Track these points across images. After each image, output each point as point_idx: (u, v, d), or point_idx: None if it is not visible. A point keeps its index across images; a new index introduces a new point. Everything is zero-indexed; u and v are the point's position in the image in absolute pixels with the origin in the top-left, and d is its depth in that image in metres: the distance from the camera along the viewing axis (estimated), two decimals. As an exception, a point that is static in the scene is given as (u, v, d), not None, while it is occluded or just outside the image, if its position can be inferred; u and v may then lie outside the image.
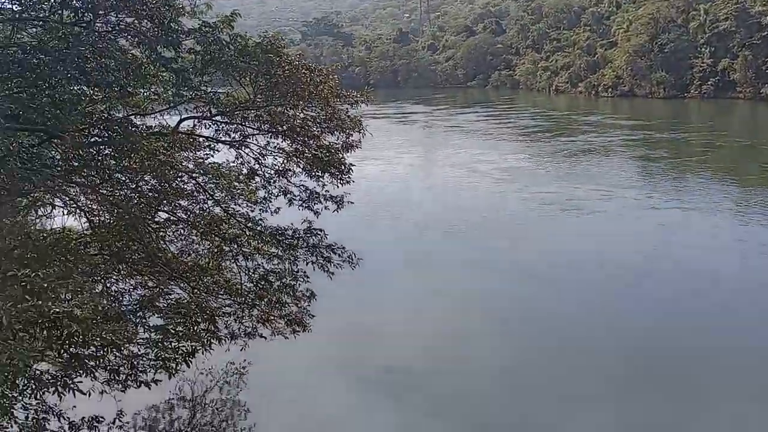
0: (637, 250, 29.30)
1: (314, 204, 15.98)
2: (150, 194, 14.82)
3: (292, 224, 15.76)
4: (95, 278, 11.84)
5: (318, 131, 15.72)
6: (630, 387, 18.90)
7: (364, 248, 17.67)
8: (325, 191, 16.06)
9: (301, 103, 15.04)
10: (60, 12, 11.20)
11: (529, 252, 30.11)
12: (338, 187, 15.95)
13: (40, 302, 7.11)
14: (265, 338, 15.42)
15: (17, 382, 8.02)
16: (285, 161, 15.87)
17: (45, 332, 7.59)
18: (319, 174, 15.77)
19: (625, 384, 19.14)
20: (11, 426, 10.48)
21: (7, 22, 11.62)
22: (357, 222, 29.70)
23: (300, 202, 15.94)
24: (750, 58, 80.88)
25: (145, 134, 13.26)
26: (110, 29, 11.16)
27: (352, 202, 16.13)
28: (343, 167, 15.59)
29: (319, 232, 15.92)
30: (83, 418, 10.54)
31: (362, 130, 15.74)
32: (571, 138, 62.37)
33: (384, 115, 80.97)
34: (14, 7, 11.68)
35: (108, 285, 13.03)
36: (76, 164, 13.55)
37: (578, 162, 50.71)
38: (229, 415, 19.44)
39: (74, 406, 10.19)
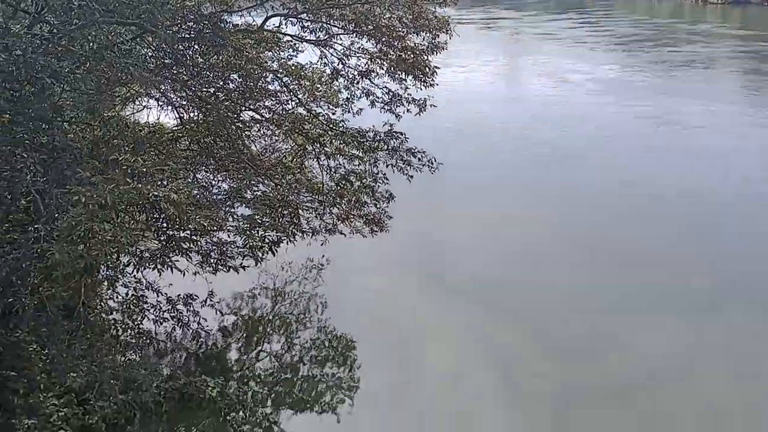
0: (736, 171, 27.55)
1: (396, 106, 15.87)
2: (236, 93, 15.14)
3: (373, 126, 15.79)
4: (187, 168, 12.43)
5: (403, 32, 15.33)
6: (709, 308, 18.39)
7: (444, 156, 17.54)
8: (408, 94, 15.87)
9: (387, 1, 14.63)
10: None
11: (619, 171, 28.73)
12: (421, 89, 15.69)
13: (140, 185, 7.57)
14: (345, 235, 15.91)
15: (120, 258, 8.74)
16: (368, 62, 15.68)
17: (144, 214, 8.13)
18: (403, 76, 15.53)
19: (706, 305, 18.63)
20: (115, 299, 11.58)
21: None
22: (438, 129, 29.29)
23: (382, 105, 15.86)
24: None
25: (233, 30, 13.35)
26: None
27: (434, 106, 15.89)
28: (427, 69, 15.25)
29: (400, 135, 15.91)
30: (179, 295, 11.43)
31: (449, 31, 15.23)
32: (674, 48, 57.71)
33: (470, 20, 77.41)
34: None
35: (198, 177, 13.68)
36: (167, 61, 13.93)
37: (681, 74, 47.17)
38: (307, 308, 20.54)
39: (171, 284, 11.07)
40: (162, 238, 9.85)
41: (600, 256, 22.08)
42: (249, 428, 15.09)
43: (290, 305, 20.61)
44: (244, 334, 18.88)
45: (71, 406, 10.07)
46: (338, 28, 15.35)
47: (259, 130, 16.40)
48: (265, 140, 16.57)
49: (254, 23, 15.83)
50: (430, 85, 15.48)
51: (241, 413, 14.84)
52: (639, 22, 77.63)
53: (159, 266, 9.51)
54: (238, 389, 15.33)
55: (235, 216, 12.58)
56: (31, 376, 9.61)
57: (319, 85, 16.88)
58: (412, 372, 16.80)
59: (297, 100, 16.14)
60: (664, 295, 18.94)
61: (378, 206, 15.78)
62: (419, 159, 15.92)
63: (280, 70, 16.25)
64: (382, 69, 15.77)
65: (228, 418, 14.36)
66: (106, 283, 11.35)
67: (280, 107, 16.19)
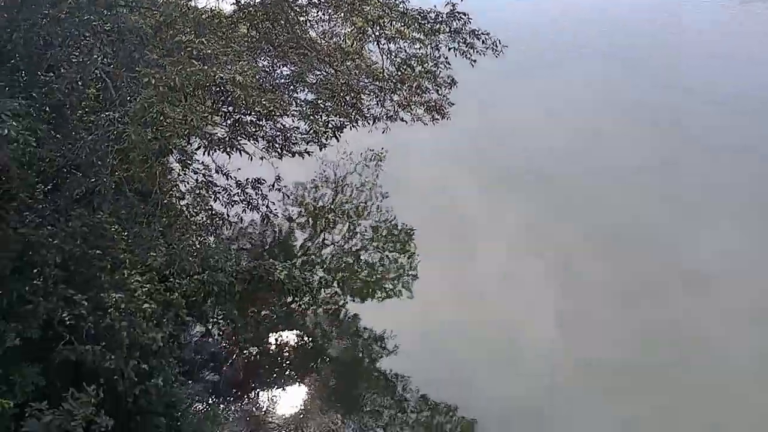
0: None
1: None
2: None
3: (435, 6, 14.97)
4: (248, 54, 12.28)
5: None
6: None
7: (510, 37, 16.65)
8: (474, -30, 14.82)
9: None
10: None
11: (692, 57, 26.70)
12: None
13: (205, 67, 7.54)
14: (406, 122, 15.68)
15: (191, 141, 8.91)
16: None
17: (211, 98, 8.16)
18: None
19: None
20: (186, 183, 11.99)
21: None
22: (504, 7, 27.57)
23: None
24: None
25: None
26: None
27: (500, -17, 14.85)
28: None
29: (463, 16, 15.02)
30: (247, 178, 11.70)
31: None
32: None
33: None
34: None
35: (259, 62, 13.53)
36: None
37: None
38: (368, 197, 20.82)
39: (239, 169, 11.31)
40: (228, 122, 9.94)
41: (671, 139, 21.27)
42: (314, 309, 15.91)
43: (351, 194, 20.95)
44: (308, 221, 19.46)
45: (153, 283, 10.76)
46: None
47: (316, 13, 15.85)
48: (323, 25, 16.05)
49: None
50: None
51: (307, 296, 15.60)
52: None
53: (228, 149, 9.66)
54: (304, 273, 16.02)
55: (298, 101, 12.49)
56: (115, 254, 10.23)
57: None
58: (468, 261, 17.11)
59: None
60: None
61: (440, 92, 15.30)
62: (483, 42, 15.13)
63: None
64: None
65: (295, 299, 15.12)
66: (176, 168, 11.70)
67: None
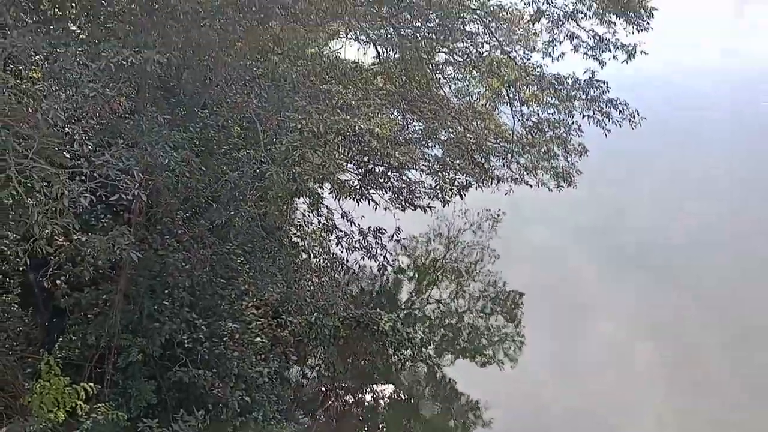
0: None
1: (601, 52, 14.63)
2: (432, 34, 14.92)
3: (573, 73, 14.77)
4: (385, 106, 12.64)
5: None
6: None
7: (648, 105, 16.04)
8: (616, 39, 14.54)
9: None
10: None
11: None
12: (633, 34, 14.28)
13: (348, 117, 7.78)
14: (530, 186, 15.35)
15: (323, 185, 9.19)
16: (576, 1, 14.55)
17: (348, 145, 8.40)
18: (613, 18, 14.21)
19: None
20: (309, 226, 12.32)
21: None
22: (648, 79, 26.51)
23: (586, 49, 14.71)
24: None
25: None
26: None
27: (645, 53, 14.39)
28: (642, 10, 13.79)
29: (602, 85, 14.71)
30: (369, 227, 11.87)
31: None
32: None
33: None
34: None
35: (394, 114, 13.88)
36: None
37: None
38: (479, 257, 20.47)
39: (363, 216, 11.50)
40: (361, 171, 10.19)
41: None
42: (414, 365, 15.59)
43: (462, 253, 20.70)
44: (416, 275, 19.38)
45: (267, 317, 11.03)
46: (546, -35, 14.38)
47: (452, 72, 16.15)
48: (457, 83, 16.31)
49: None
50: (644, 29, 14.02)
51: (408, 351, 15.35)
52: None
53: (357, 197, 9.87)
54: (407, 327, 15.82)
55: (427, 156, 12.62)
56: (237, 285, 10.62)
57: (516, 28, 16.10)
58: (578, 338, 16.18)
59: (495, 42, 15.53)
60: None
61: (569, 159, 14.92)
62: (620, 111, 14.67)
63: (479, 9, 15.70)
64: (590, 10, 14.55)
65: (396, 352, 14.91)
66: (302, 209, 12.10)
67: (475, 49, 15.74)
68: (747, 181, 23.06)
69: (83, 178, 5.56)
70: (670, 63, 30.90)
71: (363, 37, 15.02)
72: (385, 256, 12.59)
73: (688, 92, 30.59)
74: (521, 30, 16.03)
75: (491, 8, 15.74)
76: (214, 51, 7.40)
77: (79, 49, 6.29)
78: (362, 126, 7.81)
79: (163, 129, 7.11)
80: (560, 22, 14.58)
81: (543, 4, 14.66)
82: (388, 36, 14.31)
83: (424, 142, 12.79)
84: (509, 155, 14.44)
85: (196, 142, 9.32)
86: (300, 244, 11.99)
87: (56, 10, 7.94)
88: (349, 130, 7.85)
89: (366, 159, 9.82)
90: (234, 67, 7.71)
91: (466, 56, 15.59)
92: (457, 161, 12.57)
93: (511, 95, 14.70)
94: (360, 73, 13.59)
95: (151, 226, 9.13)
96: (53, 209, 5.28)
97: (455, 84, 16.19)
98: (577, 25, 14.42)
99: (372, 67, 14.96)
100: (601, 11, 14.16)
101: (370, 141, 8.08)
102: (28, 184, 5.24)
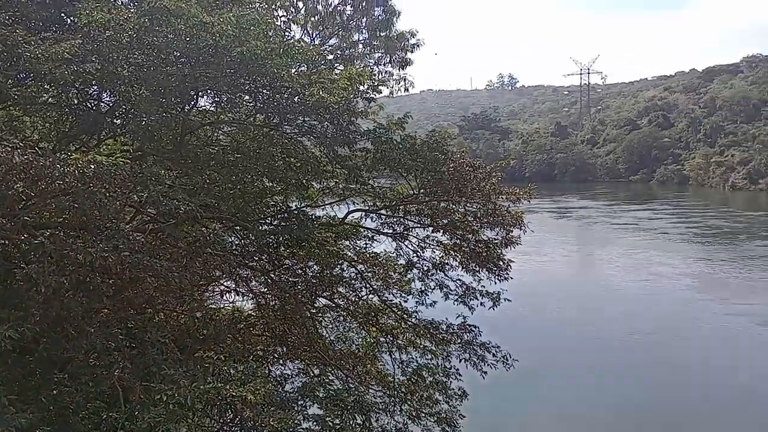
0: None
1: (470, 299, 15.79)
2: (312, 280, 15.61)
3: (446, 319, 15.66)
4: (263, 357, 12.49)
5: (478, 226, 15.76)
6: None
7: (520, 348, 16.96)
8: (482, 287, 15.86)
9: (463, 199, 15.27)
10: (253, 115, 12.62)
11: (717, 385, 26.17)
12: (495, 283, 15.69)
13: (219, 384, 7.60)
14: (416, 437, 15.07)
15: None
16: (443, 255, 16.01)
17: (220, 412, 8.05)
18: (477, 269, 15.66)
19: None
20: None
21: (209, 124, 13.24)
22: (514, 320, 28.44)
23: (456, 297, 15.85)
24: None
25: (317, 225, 14.14)
26: (296, 131, 12.30)
27: (509, 300, 15.72)
28: (501, 263, 15.36)
29: (474, 329, 15.62)
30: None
31: (523, 227, 15.52)
32: (765, 243, 55.13)
33: (543, 208, 79.24)
34: (215, 109, 13.36)
35: (271, 368, 13.68)
36: (251, 249, 14.75)
37: None
38: None
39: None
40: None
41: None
42: None
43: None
44: None
45: None
46: (414, 222, 15.98)
47: (332, 317, 16.57)
48: (337, 327, 16.65)
49: (336, 216, 16.78)
50: (505, 279, 15.48)
51: None
52: (719, 212, 76.63)
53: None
54: None
55: (306, 416, 12.28)
56: None
57: (392, 273, 17.21)
58: None
59: (371, 288, 16.42)
60: None
61: (450, 404, 15.07)
62: (493, 354, 15.44)
63: (356, 258, 16.79)
64: (456, 261, 16.01)
65: None
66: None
67: (354, 294, 16.50)
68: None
69: None
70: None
71: (243, 287, 15.37)
72: None
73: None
74: (396, 277, 17.15)
75: (367, 256, 16.94)
76: (77, 321, 7.23)
77: None
78: (234, 393, 7.61)
79: (7, 412, 6.54)
80: (430, 272, 15.88)
81: (413, 256, 16.06)
82: (268, 284, 14.79)
83: (302, 402, 12.53)
84: (392, 404, 14.39)
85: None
86: None
87: None
88: (220, 398, 7.60)
89: (239, 427, 9.34)
90: (97, 336, 7.50)
91: (346, 300, 16.26)
92: (337, 421, 12.30)
93: (389, 342, 15.15)
94: (238, 322, 13.62)
95: None
96: None
97: (336, 329, 16.53)
98: (445, 275, 15.72)
99: (251, 316, 15.08)
100: (465, 263, 15.64)
101: (242, 409, 7.82)
102: None
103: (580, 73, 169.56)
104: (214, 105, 13.02)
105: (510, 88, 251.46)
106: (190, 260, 9.11)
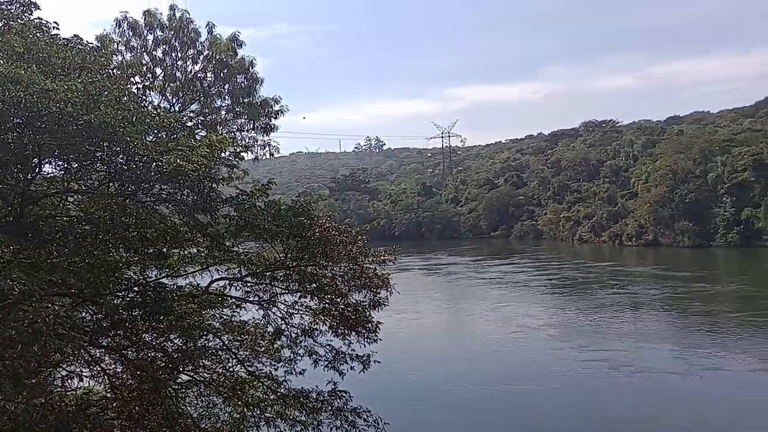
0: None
1: (340, 364, 15.69)
2: (174, 354, 14.76)
3: (316, 386, 15.38)
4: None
5: (346, 289, 15.85)
6: None
7: (389, 410, 16.98)
8: (352, 350, 15.84)
9: (330, 262, 15.34)
10: (106, 184, 11.97)
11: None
12: (365, 346, 15.73)
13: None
14: None
15: None
16: (312, 320, 15.86)
17: None
18: (346, 333, 15.65)
19: None
20: None
21: (54, 194, 12.38)
22: (386, 381, 28.46)
23: (326, 363, 15.68)
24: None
25: (177, 296, 13.49)
26: (153, 199, 11.82)
27: (379, 362, 15.80)
28: (370, 326, 15.48)
29: (344, 394, 15.45)
30: None
31: (390, 288, 15.84)
32: (611, 290, 59.82)
33: (411, 266, 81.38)
34: (64, 177, 12.52)
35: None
36: (105, 325, 13.71)
37: (628, 316, 48.15)
38: None
39: None
40: None
41: None
42: None
43: None
44: None
45: None
46: (281, 288, 15.76)
47: (196, 393, 15.67)
48: (202, 405, 15.74)
49: (199, 285, 16.13)
50: (374, 341, 15.59)
51: None
52: (572, 264, 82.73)
53: None
54: None
55: None
56: None
57: (261, 341, 16.73)
58: None
59: (237, 360, 15.84)
60: None
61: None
62: (365, 419, 15.32)
63: (222, 329, 16.17)
64: (325, 326, 15.92)
65: None
66: None
67: (220, 366, 15.82)
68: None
69: None
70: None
71: (96, 367, 14.16)
72: None
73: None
74: (265, 345, 16.67)
75: (233, 325, 16.37)
76: None
77: None
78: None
79: None
80: (299, 339, 15.63)
81: (282, 323, 15.75)
82: (123, 362, 13.76)
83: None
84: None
85: None
86: None
87: None
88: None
89: None
90: None
91: (211, 373, 15.50)
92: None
93: (256, 416, 14.56)
94: (87, 407, 12.43)
95: None
96: None
97: (200, 405, 15.62)
98: (314, 341, 15.54)
99: (104, 398, 13.86)
100: (335, 327, 15.59)
101: None
102: None
103: (441, 136, 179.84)
104: (63, 172, 12.24)
105: (377, 150, 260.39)
106: (28, 344, 8.27)
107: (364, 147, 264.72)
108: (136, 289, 13.16)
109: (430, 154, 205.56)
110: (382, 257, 15.99)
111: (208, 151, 11.87)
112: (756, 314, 45.01)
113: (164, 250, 13.60)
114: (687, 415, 26.94)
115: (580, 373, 33.61)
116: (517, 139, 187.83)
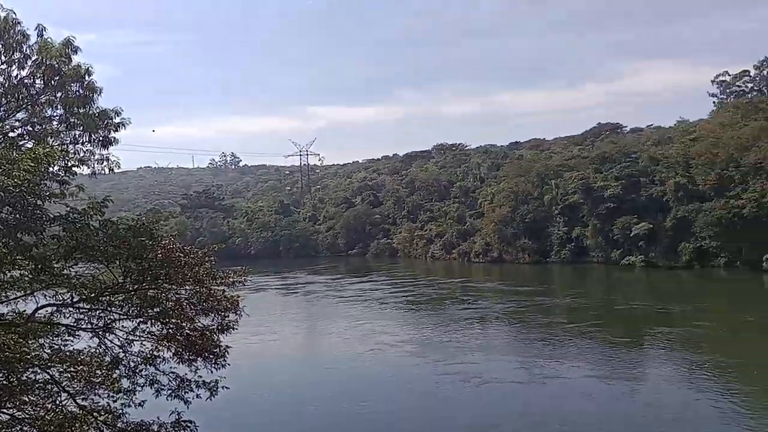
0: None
1: (185, 392, 14.90)
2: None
3: (158, 418, 14.45)
4: None
5: (192, 313, 15.15)
6: None
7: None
8: (198, 377, 15.12)
9: (174, 285, 14.58)
10: None
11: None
12: (213, 371, 15.09)
13: None
14: None
15: None
16: (154, 347, 14.94)
17: None
18: (192, 359, 14.92)
19: None
20: None
21: None
22: (239, 405, 27.50)
23: (169, 392, 14.81)
24: (598, 226, 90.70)
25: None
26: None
27: (227, 387, 15.21)
28: (218, 350, 14.89)
29: (189, 425, 14.70)
30: None
31: (239, 311, 15.37)
32: (462, 306, 62.46)
33: (271, 286, 79.69)
34: None
35: None
36: None
37: (477, 330, 50.45)
38: None
39: None
40: None
41: None
42: None
43: None
44: None
45: None
46: (120, 313, 14.69)
47: (19, 433, 14.06)
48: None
49: (23, 312, 14.60)
50: (222, 366, 15.00)
51: None
52: (426, 281, 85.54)
53: None
54: None
55: None
56: None
57: (98, 371, 15.43)
58: None
59: (68, 394, 14.49)
60: None
61: None
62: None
63: (51, 361, 14.71)
64: (169, 352, 15.07)
65: None
66: None
67: (50, 401, 14.39)
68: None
69: None
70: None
71: None
72: None
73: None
74: (101, 376, 15.40)
75: (64, 356, 14.96)
76: None
77: None
78: None
79: None
80: (139, 368, 14.62)
81: (120, 352, 14.66)
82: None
83: None
84: None
85: None
86: None
87: None
88: None
89: None
90: None
91: (36, 410, 14.04)
92: None
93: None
94: None
95: None
96: None
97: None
98: (157, 369, 14.63)
99: None
100: (180, 353, 14.79)
101: None
102: None
103: (299, 154, 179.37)
104: None
105: (233, 166, 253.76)
106: None
107: (219, 163, 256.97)
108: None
109: (288, 172, 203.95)
110: (231, 279, 15.50)
111: (33, 165, 10.83)
112: (587, 325, 49.40)
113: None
114: (527, 420, 28.87)
115: (434, 387, 34.72)
116: (373, 159, 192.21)
